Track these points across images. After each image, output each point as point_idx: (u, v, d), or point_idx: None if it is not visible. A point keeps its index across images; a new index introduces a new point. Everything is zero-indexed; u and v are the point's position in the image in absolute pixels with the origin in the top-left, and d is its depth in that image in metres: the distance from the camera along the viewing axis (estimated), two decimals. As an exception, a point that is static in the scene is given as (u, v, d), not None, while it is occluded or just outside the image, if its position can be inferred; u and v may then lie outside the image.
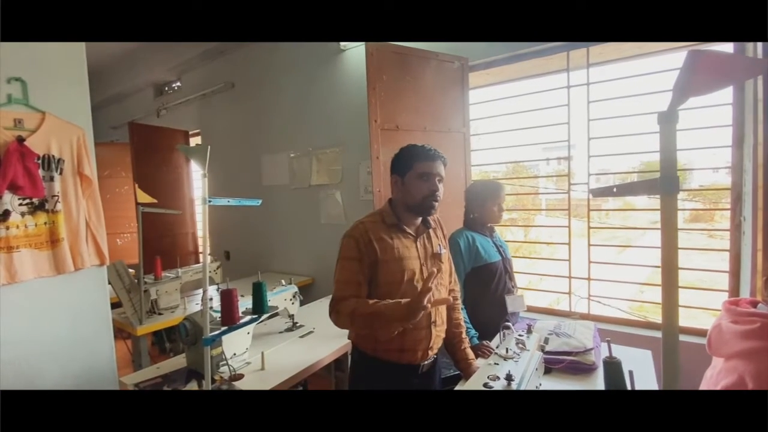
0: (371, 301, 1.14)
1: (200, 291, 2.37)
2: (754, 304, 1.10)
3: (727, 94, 1.82)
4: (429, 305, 1.00)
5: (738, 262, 1.82)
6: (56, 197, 1.62)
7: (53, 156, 1.61)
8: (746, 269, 1.73)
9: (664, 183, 0.44)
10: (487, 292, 1.67)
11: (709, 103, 1.86)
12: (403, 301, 1.07)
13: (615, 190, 0.59)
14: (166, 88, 4.47)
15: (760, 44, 1.58)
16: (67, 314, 1.67)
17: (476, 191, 1.79)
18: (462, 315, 1.49)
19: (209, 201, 1.20)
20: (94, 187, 1.74)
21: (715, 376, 1.08)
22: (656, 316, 2.10)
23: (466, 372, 1.38)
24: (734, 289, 1.84)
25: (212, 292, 2.53)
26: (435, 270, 1.07)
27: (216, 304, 1.49)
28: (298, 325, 2.00)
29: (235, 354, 1.58)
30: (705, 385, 1.13)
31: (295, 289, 1.95)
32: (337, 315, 1.19)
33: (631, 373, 0.87)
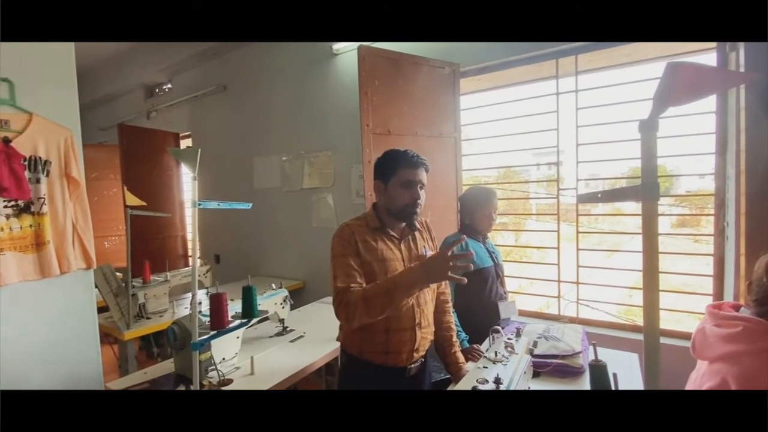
0: (378, 282, 1.12)
1: (189, 295, 2.35)
2: (737, 307, 1.12)
3: (711, 102, 1.86)
4: (449, 275, 1.00)
5: (722, 266, 1.85)
6: (42, 199, 1.59)
7: (40, 158, 1.58)
8: (730, 273, 1.77)
9: (645, 190, 0.45)
10: (478, 297, 1.69)
11: (694, 111, 1.90)
12: (413, 266, 1.10)
13: (600, 195, 0.61)
14: (157, 90, 4.44)
15: (742, 53, 1.63)
16: (52, 318, 1.64)
17: (469, 199, 1.81)
18: (452, 318, 1.50)
19: (199, 204, 1.19)
20: (82, 189, 1.72)
21: (699, 379, 1.10)
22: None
23: (456, 375, 1.39)
24: (718, 292, 1.88)
25: (201, 296, 2.51)
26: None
27: (205, 308, 1.48)
28: (288, 329, 1.99)
29: (224, 359, 1.57)
30: (689, 388, 1.15)
31: (286, 293, 1.94)
32: (346, 306, 1.12)
33: (615, 375, 0.89)
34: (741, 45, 1.60)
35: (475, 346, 1.59)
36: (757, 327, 0.98)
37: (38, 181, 1.58)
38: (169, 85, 4.27)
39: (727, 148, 1.79)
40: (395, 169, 1.26)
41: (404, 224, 1.32)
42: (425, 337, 1.32)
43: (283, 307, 1.92)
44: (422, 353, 1.32)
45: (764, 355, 0.94)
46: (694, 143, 1.95)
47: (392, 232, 1.30)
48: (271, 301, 1.85)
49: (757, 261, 1.09)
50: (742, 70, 1.58)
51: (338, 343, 1.39)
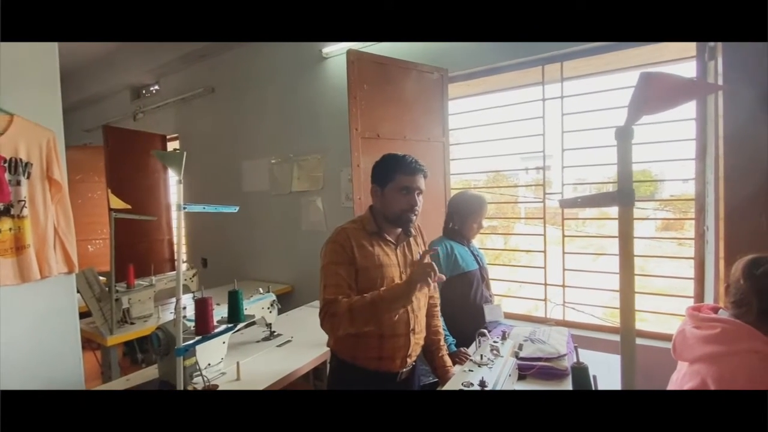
0: (365, 294, 1.12)
1: (175, 299, 2.31)
2: (716, 309, 1.15)
3: (692, 109, 1.91)
4: (431, 279, 1.03)
5: (702, 269, 1.90)
6: (23, 202, 1.56)
7: (21, 159, 1.55)
8: (710, 276, 1.81)
9: (621, 196, 0.46)
10: (464, 300, 1.70)
11: (678, 118, 1.95)
12: (401, 283, 1.11)
13: (579, 201, 0.62)
14: (144, 91, 4.38)
15: (720, 61, 1.67)
16: (33, 324, 1.60)
17: (460, 205, 1.81)
18: (441, 322, 1.50)
19: (184, 207, 1.18)
20: (64, 192, 1.68)
21: (680, 380, 1.12)
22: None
23: (444, 379, 1.39)
24: (699, 295, 1.92)
25: (188, 300, 2.47)
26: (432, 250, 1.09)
27: (190, 312, 1.46)
28: (275, 334, 1.97)
29: (209, 364, 1.55)
30: (670, 389, 1.17)
31: (273, 297, 1.92)
32: (332, 317, 1.12)
33: (594, 377, 0.90)
34: (720, 54, 1.65)
35: (462, 349, 1.59)
36: (734, 328, 1.01)
37: (19, 183, 1.55)
38: (157, 87, 4.22)
39: (706, 153, 1.84)
40: (393, 174, 1.26)
41: (400, 230, 1.32)
42: (418, 342, 1.32)
43: (270, 312, 1.90)
44: (414, 358, 1.33)
45: (742, 356, 0.96)
46: (678, 149, 2.00)
47: (389, 237, 1.30)
48: (258, 305, 1.83)
49: (734, 264, 1.12)
50: (720, 78, 1.63)
51: (326, 348, 1.38)
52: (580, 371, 0.95)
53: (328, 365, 1.42)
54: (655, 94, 0.43)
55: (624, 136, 0.46)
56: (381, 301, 1.08)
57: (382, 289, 1.13)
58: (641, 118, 0.46)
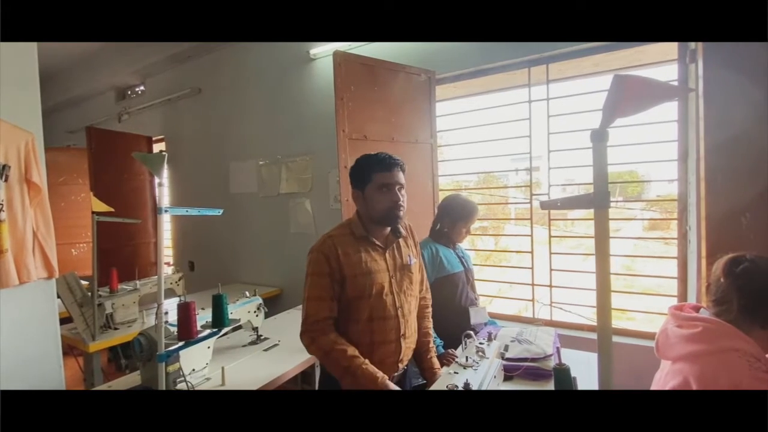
0: (349, 352, 1.14)
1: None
2: (697, 308, 1.17)
3: (673, 111, 1.94)
4: None
5: (685, 268, 1.92)
6: (0, 206, 1.52)
7: (-3, 162, 1.51)
8: (693, 275, 1.84)
9: (597, 198, 0.46)
10: (450, 302, 1.69)
11: (661, 119, 1.98)
12: (379, 377, 1.13)
13: (559, 203, 0.62)
14: (129, 92, 4.31)
15: (701, 64, 1.70)
16: (11, 332, 1.56)
17: (451, 208, 1.80)
18: (431, 324, 1.49)
19: (166, 210, 1.16)
20: (43, 195, 1.65)
21: (663, 378, 1.14)
22: (617, 321, 2.18)
23: (431, 381, 1.38)
24: (682, 294, 1.95)
25: (173, 304, 2.43)
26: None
27: (174, 317, 1.43)
28: (262, 337, 1.94)
29: (194, 370, 1.52)
30: (654, 387, 1.19)
31: (260, 300, 1.90)
32: (311, 342, 1.18)
33: (574, 378, 0.91)
34: (700, 57, 1.67)
35: (450, 351, 1.59)
36: (715, 327, 1.02)
37: (-5, 186, 1.51)
38: (142, 88, 4.16)
39: (688, 155, 1.87)
40: (370, 174, 1.24)
41: (389, 232, 1.30)
42: (409, 347, 1.31)
43: (257, 315, 1.88)
44: (405, 363, 1.32)
45: (723, 354, 0.98)
46: (664, 150, 2.02)
47: (377, 242, 1.28)
48: (245, 309, 1.81)
49: (715, 263, 1.13)
50: (701, 80, 1.66)
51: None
52: (561, 372, 0.95)
53: (317, 369, 1.41)
54: (628, 96, 0.43)
55: (599, 138, 0.46)
56: (354, 376, 1.12)
57: (360, 365, 1.14)
58: (616, 120, 0.46)
